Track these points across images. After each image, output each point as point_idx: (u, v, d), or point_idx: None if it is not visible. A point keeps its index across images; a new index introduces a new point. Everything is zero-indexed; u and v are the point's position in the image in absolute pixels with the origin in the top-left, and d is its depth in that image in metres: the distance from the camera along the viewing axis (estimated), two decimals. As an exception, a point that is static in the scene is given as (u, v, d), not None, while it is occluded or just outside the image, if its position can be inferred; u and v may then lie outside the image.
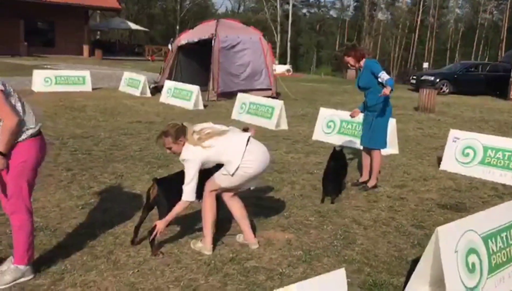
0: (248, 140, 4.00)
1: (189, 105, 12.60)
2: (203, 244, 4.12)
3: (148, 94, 14.80)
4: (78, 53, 32.81)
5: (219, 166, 4.04)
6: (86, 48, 33.34)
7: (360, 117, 6.46)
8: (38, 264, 3.67)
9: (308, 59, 69.11)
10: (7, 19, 29.36)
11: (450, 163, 7.23)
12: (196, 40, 15.50)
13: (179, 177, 4.08)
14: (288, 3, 57.75)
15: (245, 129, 4.36)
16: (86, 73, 15.52)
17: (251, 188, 4.27)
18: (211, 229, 4.14)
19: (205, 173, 4.06)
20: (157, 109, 12.27)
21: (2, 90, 3.11)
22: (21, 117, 3.19)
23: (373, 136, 6.07)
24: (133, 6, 59.55)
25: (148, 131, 9.18)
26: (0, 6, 28.32)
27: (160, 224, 3.90)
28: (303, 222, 4.92)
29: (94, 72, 20.94)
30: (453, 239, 3.25)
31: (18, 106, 3.24)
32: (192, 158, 3.83)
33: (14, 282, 3.41)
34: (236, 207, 4.25)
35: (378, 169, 6.26)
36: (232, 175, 3.93)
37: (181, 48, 15.98)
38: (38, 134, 3.37)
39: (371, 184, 6.17)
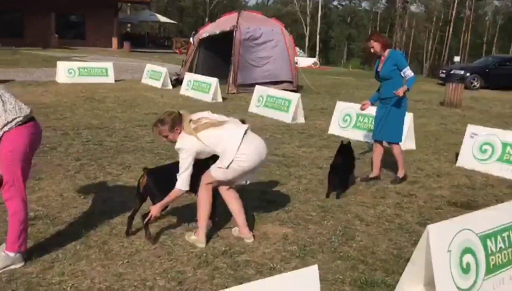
0: (245, 133, 3.93)
1: (207, 97, 12.60)
2: (197, 237, 4.08)
3: (169, 86, 14.88)
4: (108, 46, 33.36)
5: (216, 159, 3.99)
6: (115, 41, 33.85)
7: (373, 110, 6.33)
8: (31, 252, 3.71)
9: (339, 52, 68.33)
10: (39, 12, 30.06)
11: (467, 160, 6.97)
12: (217, 32, 15.46)
13: (170, 167, 4.05)
14: (318, -5, 57.09)
15: (243, 121, 4.29)
16: (109, 65, 15.71)
17: (247, 182, 4.20)
18: (206, 222, 4.10)
19: (202, 166, 4.02)
20: (175, 101, 12.32)
21: None
22: None
23: (389, 129, 5.92)
24: (163, -1, 60.12)
25: (163, 123, 9.20)
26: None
27: (154, 210, 3.91)
28: (303, 217, 4.82)
29: (120, 64, 21.27)
30: (446, 237, 3.10)
31: None
32: (187, 147, 3.80)
33: (3, 269, 3.44)
34: (232, 200, 4.19)
35: (402, 159, 6.15)
36: (227, 167, 3.87)
37: (202, 41, 15.98)
38: (25, 122, 3.37)
39: (401, 174, 6.12)
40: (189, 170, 3.81)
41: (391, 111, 5.86)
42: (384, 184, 6.01)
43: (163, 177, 4.05)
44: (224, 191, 4.17)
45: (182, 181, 3.80)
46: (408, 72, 5.65)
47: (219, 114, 4.17)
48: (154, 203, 3.96)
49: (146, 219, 3.96)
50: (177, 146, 3.86)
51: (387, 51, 5.82)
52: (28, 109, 3.42)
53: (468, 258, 3.19)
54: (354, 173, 6.11)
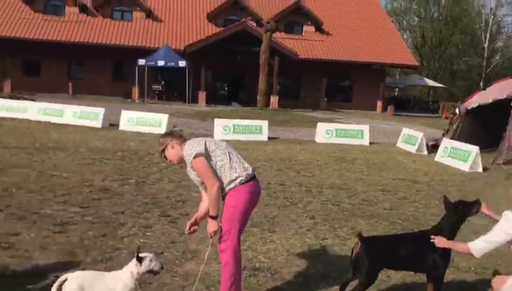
0: None
1: (465, 166, 11.45)
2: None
3: (424, 151, 14.16)
4: (372, 109, 34.27)
5: None
6: (379, 104, 34.56)
7: None
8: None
9: None
10: (313, 78, 33.33)
11: None
12: (490, 101, 14.11)
13: (390, 239, 3.72)
14: None
15: None
16: (365, 128, 16.00)
17: None
18: None
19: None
20: (427, 168, 11.58)
21: (202, 155, 3.50)
22: (219, 184, 3.51)
23: None
24: (434, 63, 58.85)
25: (407, 190, 8.74)
26: (308, 66, 32.45)
27: (441, 242, 3.56)
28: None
29: (379, 127, 21.53)
30: None
31: (226, 157, 3.58)
32: None
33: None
34: None
35: None
36: None
37: (469, 110, 14.81)
38: (248, 181, 3.61)
39: None
40: (494, 244, 3.33)
41: None
42: None
43: (379, 248, 3.76)
44: None
45: (477, 246, 3.38)
46: None
47: None
48: (360, 277, 3.68)
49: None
50: None
51: None
52: (250, 169, 3.66)
53: None
54: None
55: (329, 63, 32.89)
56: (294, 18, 34.73)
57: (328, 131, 15.69)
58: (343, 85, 35.86)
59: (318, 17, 34.73)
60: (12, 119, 16.25)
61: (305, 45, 33.43)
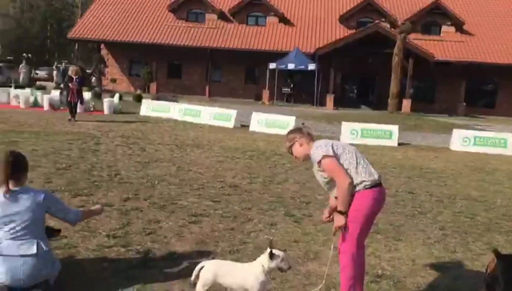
0: None
1: None
2: None
3: None
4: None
5: None
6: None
7: None
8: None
9: None
10: (450, 81, 31.25)
11: None
12: None
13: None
14: None
15: None
16: (508, 136, 14.60)
17: None
18: None
19: None
20: None
21: (331, 156, 3.52)
22: (351, 180, 3.49)
23: None
24: None
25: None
26: (445, 69, 30.52)
27: None
28: None
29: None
30: None
31: (353, 161, 3.57)
32: None
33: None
34: None
35: None
36: None
37: None
38: (372, 186, 3.57)
39: None
40: None
41: None
42: None
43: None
44: None
45: None
46: None
47: None
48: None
49: None
50: None
51: None
52: (377, 175, 3.61)
53: None
54: None
55: (469, 66, 30.62)
56: (432, 19, 33.00)
57: (465, 139, 14.63)
58: (485, 90, 33.11)
59: (458, 16, 32.53)
60: (157, 118, 17.93)
61: (443, 46, 31.55)
